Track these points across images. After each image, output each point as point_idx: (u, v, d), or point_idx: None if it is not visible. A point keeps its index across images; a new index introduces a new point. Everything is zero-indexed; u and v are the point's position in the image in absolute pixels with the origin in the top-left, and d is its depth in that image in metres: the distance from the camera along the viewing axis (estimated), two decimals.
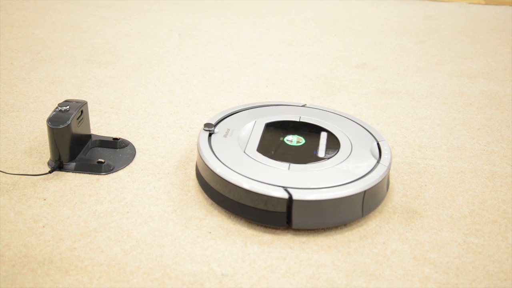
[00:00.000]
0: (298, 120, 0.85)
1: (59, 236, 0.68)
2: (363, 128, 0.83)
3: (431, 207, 0.76)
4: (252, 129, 0.81)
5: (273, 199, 0.68)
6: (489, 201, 0.78)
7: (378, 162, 0.75)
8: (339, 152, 0.77)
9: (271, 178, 0.70)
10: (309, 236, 0.70)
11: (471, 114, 1.03)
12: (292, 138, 0.80)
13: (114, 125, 0.94)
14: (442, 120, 1.01)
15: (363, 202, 0.70)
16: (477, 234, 0.71)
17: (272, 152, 0.76)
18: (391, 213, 0.74)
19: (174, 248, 0.67)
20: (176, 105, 1.02)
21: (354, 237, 0.70)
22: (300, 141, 0.79)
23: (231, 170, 0.71)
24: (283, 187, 0.68)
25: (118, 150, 0.86)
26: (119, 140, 0.87)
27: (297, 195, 0.67)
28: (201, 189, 0.77)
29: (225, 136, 0.79)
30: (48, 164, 0.82)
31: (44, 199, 0.74)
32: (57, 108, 0.80)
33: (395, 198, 0.78)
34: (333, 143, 0.79)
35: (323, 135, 0.81)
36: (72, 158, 0.81)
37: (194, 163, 0.84)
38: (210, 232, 0.70)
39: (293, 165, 0.73)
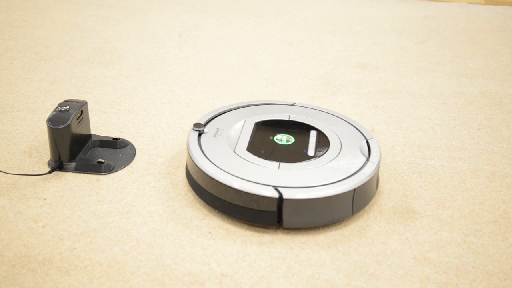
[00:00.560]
0: (287, 119, 0.85)
1: (59, 236, 0.68)
2: (353, 127, 0.84)
3: (431, 207, 0.76)
4: (241, 129, 0.81)
5: (264, 198, 0.68)
6: (489, 201, 0.78)
7: (367, 160, 0.75)
8: (328, 151, 0.77)
9: (261, 178, 0.70)
10: (309, 236, 0.70)
11: (471, 114, 1.03)
12: (282, 137, 0.80)
13: (114, 125, 0.94)
14: (442, 120, 1.01)
15: (353, 200, 0.70)
16: (477, 234, 0.71)
17: (262, 151, 0.76)
18: (391, 213, 0.74)
19: (174, 248, 0.67)
20: (176, 105, 1.02)
21: (354, 237, 0.70)
22: (290, 140, 0.79)
23: (221, 170, 0.71)
24: (273, 186, 0.68)
25: (118, 150, 0.86)
26: (119, 140, 0.87)
27: (287, 194, 0.67)
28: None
29: (214, 135, 0.79)
30: (48, 164, 0.82)
31: (44, 199, 0.74)
32: (57, 108, 0.80)
33: (395, 198, 0.78)
34: (323, 142, 0.79)
35: (313, 134, 0.81)
36: (72, 158, 0.81)
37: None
38: (210, 232, 0.70)
39: (283, 164, 0.73)
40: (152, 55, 1.25)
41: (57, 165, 0.79)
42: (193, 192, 0.77)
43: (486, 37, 1.48)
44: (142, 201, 0.75)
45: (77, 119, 0.80)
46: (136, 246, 0.67)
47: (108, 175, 0.80)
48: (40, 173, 0.80)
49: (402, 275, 0.64)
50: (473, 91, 1.14)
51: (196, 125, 0.80)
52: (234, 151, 0.76)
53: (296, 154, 0.76)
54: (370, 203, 0.76)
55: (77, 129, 0.81)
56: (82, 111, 0.82)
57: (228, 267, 0.64)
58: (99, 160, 0.81)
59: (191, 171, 0.76)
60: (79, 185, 0.78)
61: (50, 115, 0.79)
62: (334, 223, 0.72)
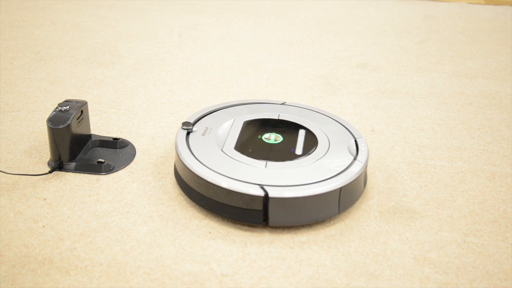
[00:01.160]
0: (277, 118, 0.85)
1: (59, 236, 0.68)
2: (342, 126, 0.84)
3: (431, 207, 0.76)
4: (230, 127, 0.82)
5: (250, 197, 0.68)
6: (489, 201, 0.78)
7: (355, 158, 0.75)
8: (316, 150, 0.77)
9: (248, 176, 0.70)
10: (309, 236, 0.70)
11: (471, 114, 1.03)
12: (270, 136, 0.80)
13: (114, 125, 0.94)
14: (442, 120, 1.01)
15: (339, 199, 0.71)
16: (477, 234, 0.71)
17: (250, 150, 0.76)
18: (391, 213, 0.74)
19: (174, 248, 0.67)
20: (176, 105, 1.02)
21: (354, 237, 0.70)
22: (278, 139, 0.79)
23: (207, 169, 0.71)
24: (259, 185, 0.68)
25: (118, 150, 0.86)
26: (119, 140, 0.87)
27: (273, 193, 0.67)
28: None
29: (203, 134, 0.79)
30: (48, 164, 0.82)
31: (44, 199, 0.74)
32: (57, 108, 0.80)
33: (394, 198, 0.78)
34: (311, 141, 0.79)
35: (301, 133, 0.81)
36: (72, 158, 0.81)
37: None
38: (210, 232, 0.70)
39: (270, 163, 0.73)
40: (152, 55, 1.25)
41: (57, 165, 0.79)
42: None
43: (486, 37, 1.48)
44: (142, 201, 0.75)
45: (77, 119, 0.80)
46: (136, 246, 0.67)
47: (108, 175, 0.80)
48: (40, 173, 0.80)
49: (402, 275, 0.64)
50: (473, 91, 1.14)
51: (185, 123, 0.80)
52: (221, 150, 0.76)
53: (283, 153, 0.76)
54: (370, 203, 0.76)
55: (77, 129, 0.81)
56: (82, 111, 0.82)
57: (228, 267, 0.64)
58: (99, 160, 0.81)
59: (179, 170, 0.76)
60: (79, 185, 0.78)
61: (50, 115, 0.79)
62: (333, 223, 0.72)
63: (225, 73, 1.18)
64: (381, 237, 0.70)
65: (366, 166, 0.76)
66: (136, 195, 0.76)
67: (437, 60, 1.30)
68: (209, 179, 0.70)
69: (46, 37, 1.33)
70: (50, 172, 0.78)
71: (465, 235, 0.71)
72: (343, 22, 1.56)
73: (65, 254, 0.65)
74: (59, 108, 0.79)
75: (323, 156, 0.75)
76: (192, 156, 0.74)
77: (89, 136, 0.86)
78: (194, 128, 0.81)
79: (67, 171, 0.80)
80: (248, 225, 0.71)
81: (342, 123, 0.84)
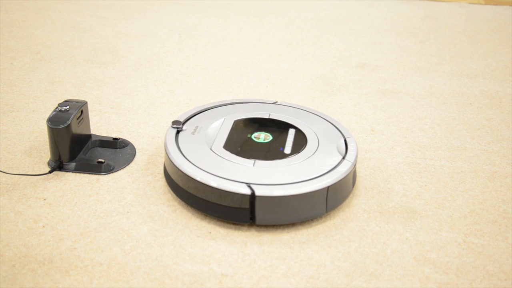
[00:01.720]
0: (267, 117, 0.85)
1: (59, 236, 0.68)
2: (332, 125, 0.84)
3: (431, 207, 0.76)
4: (220, 126, 0.82)
5: (237, 195, 0.68)
6: (489, 201, 0.78)
7: (343, 158, 0.75)
8: (305, 149, 0.77)
9: (236, 175, 0.70)
10: (309, 236, 0.70)
11: (471, 114, 1.03)
12: (260, 135, 0.80)
13: (114, 125, 0.94)
14: (442, 120, 1.01)
15: (327, 198, 0.71)
16: (477, 234, 0.71)
17: (238, 149, 0.76)
18: (391, 213, 0.74)
19: (174, 248, 0.67)
20: (176, 105, 1.02)
21: (354, 237, 0.70)
22: (268, 138, 0.79)
23: (195, 167, 0.71)
24: (246, 183, 0.68)
25: (118, 150, 0.86)
26: (119, 140, 0.87)
27: (260, 191, 0.67)
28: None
29: (193, 133, 0.79)
30: (48, 164, 0.82)
31: (44, 199, 0.74)
32: (57, 108, 0.80)
33: (395, 198, 0.78)
34: (300, 140, 0.79)
35: (291, 132, 0.81)
36: (72, 158, 0.81)
37: None
38: (210, 232, 0.70)
39: (258, 162, 0.73)
40: (152, 55, 1.25)
41: (57, 165, 0.79)
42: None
43: (486, 37, 1.48)
44: (142, 201, 0.75)
45: (77, 119, 0.80)
46: (136, 246, 0.67)
47: (108, 175, 0.80)
48: (40, 173, 0.80)
49: (402, 275, 0.64)
50: (473, 91, 1.14)
51: (175, 122, 0.80)
52: (210, 149, 0.76)
53: (272, 152, 0.76)
54: (370, 203, 0.76)
55: (77, 129, 0.81)
56: (82, 111, 0.82)
57: (228, 267, 0.64)
58: (99, 160, 0.81)
59: (167, 168, 0.76)
60: (79, 185, 0.78)
61: (50, 115, 0.79)
62: (333, 223, 0.72)
63: (225, 73, 1.18)
64: (381, 237, 0.70)
65: (355, 166, 0.76)
66: (136, 195, 0.76)
67: (437, 60, 1.30)
68: (196, 178, 0.70)
69: (46, 37, 1.33)
70: (50, 172, 0.78)
71: (465, 235, 0.71)
72: (343, 22, 1.56)
73: (65, 254, 0.65)
74: (59, 108, 0.79)
75: (311, 155, 0.76)
76: (181, 155, 0.74)
77: (89, 136, 0.86)
78: (184, 127, 0.81)
79: (67, 171, 0.80)
80: (248, 225, 0.71)
81: (333, 123, 0.84)
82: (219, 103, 0.89)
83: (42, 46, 1.27)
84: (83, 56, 1.23)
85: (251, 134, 0.80)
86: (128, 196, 0.76)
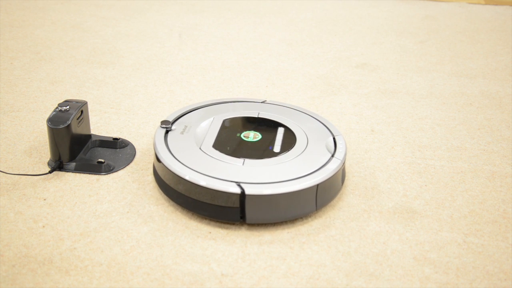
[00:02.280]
0: (256, 116, 0.85)
1: (59, 236, 0.68)
2: (321, 124, 0.84)
3: (431, 207, 0.76)
4: (209, 126, 0.82)
5: (227, 194, 0.68)
6: (489, 201, 0.78)
7: (332, 156, 0.75)
8: (294, 147, 0.77)
9: (225, 174, 0.70)
10: (309, 236, 0.70)
11: (471, 114, 1.03)
12: (249, 134, 0.80)
13: (114, 125, 0.94)
14: (442, 120, 1.01)
15: (316, 196, 0.71)
16: (477, 234, 0.71)
17: (228, 148, 0.76)
18: (391, 213, 0.74)
19: (174, 248, 0.67)
20: (176, 105, 1.02)
21: (354, 237, 0.70)
22: (257, 136, 0.79)
23: (184, 166, 0.71)
24: (236, 182, 0.69)
25: (118, 150, 0.86)
26: (119, 140, 0.87)
27: (249, 190, 0.68)
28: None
29: (182, 133, 0.79)
30: (48, 164, 0.82)
31: (44, 199, 0.74)
32: (57, 108, 0.80)
33: (395, 198, 0.78)
34: (290, 138, 0.79)
35: (280, 131, 0.81)
36: (72, 158, 0.81)
37: None
38: (210, 232, 0.70)
39: (247, 161, 0.73)
40: (152, 55, 1.25)
41: (57, 165, 0.79)
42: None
43: (486, 37, 1.48)
44: (142, 201, 0.75)
45: (77, 119, 0.80)
46: (136, 246, 0.67)
47: (108, 175, 0.80)
48: (40, 173, 0.80)
49: (402, 275, 0.64)
50: (473, 91, 1.14)
51: (164, 122, 0.80)
52: (200, 148, 0.76)
53: (261, 151, 0.76)
54: (370, 203, 0.76)
55: (77, 129, 0.81)
56: (82, 111, 0.82)
57: (228, 267, 0.64)
58: (99, 160, 0.81)
59: (157, 168, 0.76)
60: (79, 185, 0.78)
61: (50, 115, 0.79)
62: (333, 223, 0.72)
63: (225, 73, 1.18)
64: (381, 237, 0.70)
65: (344, 163, 0.76)
66: (136, 195, 0.76)
67: (437, 60, 1.30)
68: (186, 177, 0.70)
69: (46, 37, 1.33)
70: (50, 172, 0.78)
71: (465, 235, 0.71)
72: (343, 22, 1.56)
73: (65, 254, 0.65)
74: (59, 108, 0.79)
75: (300, 154, 0.76)
76: (170, 154, 0.74)
77: (89, 136, 0.86)
78: (173, 127, 0.81)
79: (67, 171, 0.80)
80: (248, 225, 0.71)
81: (322, 121, 0.85)
82: (208, 103, 0.89)
83: (42, 46, 1.27)
84: (83, 56, 1.23)
85: (240, 133, 0.80)
86: (128, 196, 0.76)
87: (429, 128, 0.98)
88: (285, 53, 1.31)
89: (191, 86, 1.11)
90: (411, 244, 0.69)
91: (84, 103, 0.82)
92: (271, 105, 0.89)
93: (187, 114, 0.85)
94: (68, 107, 0.80)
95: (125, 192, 0.77)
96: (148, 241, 0.68)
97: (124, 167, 0.82)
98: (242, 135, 0.79)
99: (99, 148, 0.86)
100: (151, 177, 0.80)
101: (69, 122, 0.78)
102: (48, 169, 0.81)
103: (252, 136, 0.79)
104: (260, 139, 0.79)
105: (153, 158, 0.79)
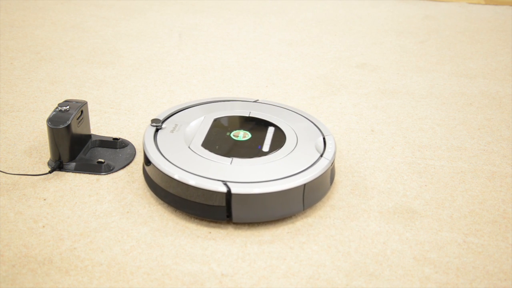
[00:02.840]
0: (247, 115, 0.85)
1: (59, 236, 0.68)
2: (312, 123, 0.84)
3: (431, 207, 0.76)
4: (200, 124, 0.82)
5: (213, 193, 0.68)
6: (489, 201, 0.78)
7: (321, 156, 0.75)
8: (283, 147, 0.77)
9: (212, 173, 0.70)
10: (309, 236, 0.70)
11: (471, 114, 1.03)
12: (239, 133, 0.80)
13: (114, 125, 0.94)
14: (442, 120, 1.01)
15: (303, 196, 0.71)
16: (477, 234, 0.71)
17: (217, 147, 0.76)
18: (391, 213, 0.74)
19: (174, 248, 0.67)
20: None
21: (354, 237, 0.70)
22: (247, 136, 0.79)
23: (172, 165, 0.71)
24: (222, 181, 0.69)
25: (118, 150, 0.86)
26: (119, 140, 0.87)
27: (236, 189, 0.68)
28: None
29: (172, 131, 0.79)
30: (48, 164, 0.82)
31: (44, 199, 0.74)
32: (57, 108, 0.80)
33: (395, 198, 0.78)
34: (279, 138, 0.79)
35: (270, 130, 0.81)
36: (72, 158, 0.81)
37: None
38: (210, 232, 0.70)
39: (236, 160, 0.73)
40: (152, 55, 1.25)
41: (57, 165, 0.79)
42: None
43: (486, 37, 1.48)
44: (142, 201, 0.75)
45: (77, 119, 0.80)
46: (136, 246, 0.67)
47: (108, 175, 0.80)
48: (40, 173, 0.80)
49: (402, 275, 0.64)
50: (473, 91, 1.14)
51: (154, 120, 0.80)
52: (189, 147, 0.76)
53: (250, 150, 0.76)
54: (370, 203, 0.76)
55: (77, 129, 0.81)
56: (82, 111, 0.82)
57: (228, 267, 0.64)
58: (99, 160, 0.81)
59: (145, 166, 0.76)
60: (79, 185, 0.78)
61: (50, 115, 0.79)
62: (333, 223, 0.72)
63: (225, 73, 1.18)
64: (381, 237, 0.70)
65: (333, 163, 0.76)
66: (136, 195, 0.76)
67: (437, 60, 1.30)
68: (174, 176, 0.70)
69: (46, 37, 1.33)
70: (50, 172, 0.78)
71: (465, 235, 0.71)
72: (343, 22, 1.56)
73: (65, 254, 0.65)
74: (59, 108, 0.79)
75: (289, 153, 0.76)
76: (158, 153, 0.74)
77: (89, 136, 0.86)
78: (164, 125, 0.81)
79: (67, 171, 0.80)
80: (248, 225, 0.71)
81: (312, 121, 0.85)
82: (200, 101, 0.89)
83: (42, 46, 1.27)
84: (83, 56, 1.23)
85: (230, 132, 0.80)
86: (128, 196, 0.76)
87: (429, 128, 0.98)
88: (285, 53, 1.31)
89: (191, 86, 1.11)
90: (411, 244, 0.69)
91: (84, 103, 0.82)
92: (263, 104, 0.89)
93: (179, 113, 0.85)
94: (68, 107, 0.80)
95: (125, 192, 0.77)
96: (148, 241, 0.68)
97: (124, 167, 0.82)
98: (232, 134, 0.79)
99: (99, 148, 0.86)
100: None
101: (69, 122, 0.78)
102: (48, 169, 0.81)
103: (242, 135, 0.79)
104: (250, 138, 0.79)
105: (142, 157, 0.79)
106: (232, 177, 0.70)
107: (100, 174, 0.80)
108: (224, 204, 0.68)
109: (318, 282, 0.63)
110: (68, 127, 0.78)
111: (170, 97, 1.05)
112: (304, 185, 0.70)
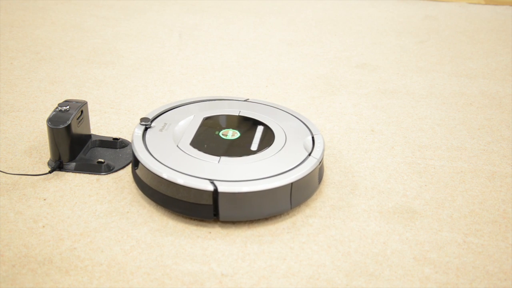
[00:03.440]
0: (237, 115, 0.85)
1: (59, 236, 0.68)
2: (301, 122, 0.84)
3: (431, 207, 0.76)
4: (189, 123, 0.82)
5: (200, 191, 0.68)
6: (489, 201, 0.78)
7: (309, 155, 0.75)
8: (272, 145, 0.77)
9: (200, 171, 0.70)
10: (309, 236, 0.70)
11: (471, 114, 1.03)
12: (228, 132, 0.80)
13: (114, 125, 0.94)
14: (442, 120, 1.01)
15: (291, 194, 0.71)
16: (477, 234, 0.71)
17: (205, 145, 0.76)
18: (391, 213, 0.74)
19: (174, 248, 0.67)
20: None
21: (354, 237, 0.70)
22: (235, 134, 0.79)
23: (160, 164, 0.72)
24: (209, 180, 0.69)
25: (118, 150, 0.86)
26: (119, 140, 0.87)
27: (223, 188, 0.68)
28: None
29: (161, 130, 0.79)
30: (48, 164, 0.82)
31: (44, 199, 0.74)
32: (57, 108, 0.80)
33: (395, 198, 0.78)
34: (268, 137, 0.79)
35: (259, 129, 0.81)
36: (72, 158, 0.81)
37: None
38: (210, 232, 0.70)
39: (223, 158, 0.73)
40: (152, 55, 1.25)
41: (57, 165, 0.79)
42: None
43: (486, 37, 1.48)
44: (142, 201, 0.75)
45: (77, 119, 0.80)
46: (136, 246, 0.67)
47: (108, 175, 0.80)
48: (40, 173, 0.80)
49: (402, 275, 0.64)
50: (473, 91, 1.14)
51: (143, 119, 0.81)
52: (177, 146, 0.76)
53: (239, 149, 0.76)
54: (370, 203, 0.76)
55: (77, 129, 0.81)
56: (82, 111, 0.82)
57: (228, 267, 0.64)
58: (99, 160, 0.81)
59: (133, 164, 0.77)
60: (79, 185, 0.78)
61: (50, 115, 0.79)
62: (333, 223, 0.72)
63: (225, 73, 1.18)
64: (381, 237, 0.70)
65: (321, 162, 0.76)
66: (136, 195, 0.76)
67: (437, 60, 1.30)
68: (160, 174, 0.70)
69: (46, 37, 1.33)
70: (50, 172, 0.78)
71: (465, 235, 0.71)
72: (343, 22, 1.56)
73: (65, 254, 0.65)
74: (59, 108, 0.79)
75: (277, 152, 0.76)
76: (146, 151, 0.74)
77: (89, 136, 0.86)
78: (153, 124, 0.81)
79: (67, 171, 0.80)
80: (248, 225, 0.71)
81: (302, 120, 0.85)
82: (190, 100, 0.89)
83: (42, 46, 1.27)
84: (83, 56, 1.23)
85: (219, 131, 0.80)
86: (128, 196, 0.76)
87: (429, 128, 0.98)
88: (285, 53, 1.31)
89: (191, 86, 1.11)
90: (411, 244, 0.69)
91: (84, 103, 0.82)
92: (253, 103, 0.89)
93: (168, 112, 0.85)
94: (68, 107, 0.80)
95: (125, 192, 0.77)
96: (148, 241, 0.68)
97: (124, 167, 0.82)
98: (220, 133, 0.80)
99: (99, 148, 0.86)
100: None
101: (69, 122, 0.78)
102: (48, 169, 0.81)
103: (231, 134, 0.79)
104: (239, 137, 0.79)
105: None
106: (219, 175, 0.70)
107: (100, 174, 0.80)
108: (211, 202, 0.69)
109: (318, 282, 0.63)
110: (68, 127, 0.78)
111: (170, 97, 1.05)
112: (292, 183, 0.70)
